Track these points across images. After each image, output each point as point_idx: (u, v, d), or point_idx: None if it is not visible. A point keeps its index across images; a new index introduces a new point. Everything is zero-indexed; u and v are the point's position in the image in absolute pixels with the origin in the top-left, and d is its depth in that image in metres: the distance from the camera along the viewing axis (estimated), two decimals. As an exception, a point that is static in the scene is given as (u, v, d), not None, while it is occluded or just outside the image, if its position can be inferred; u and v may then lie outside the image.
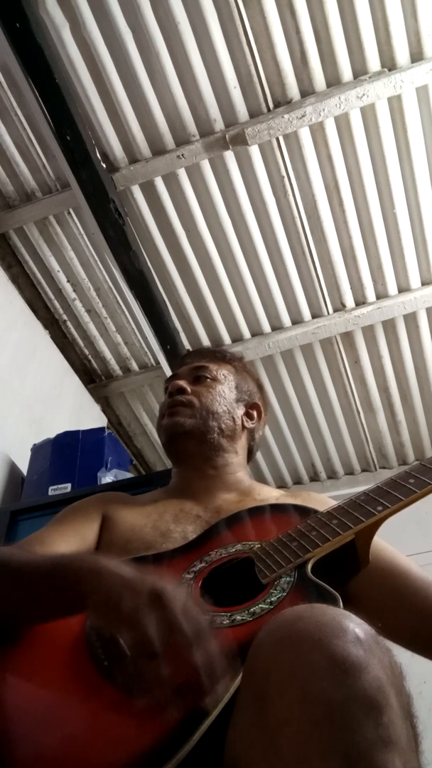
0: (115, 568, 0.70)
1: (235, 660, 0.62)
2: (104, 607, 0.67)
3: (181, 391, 1.16)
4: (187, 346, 2.89)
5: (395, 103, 2.28)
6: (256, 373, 1.35)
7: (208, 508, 1.04)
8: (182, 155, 2.37)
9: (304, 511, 0.92)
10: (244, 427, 1.20)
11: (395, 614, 0.86)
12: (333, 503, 0.91)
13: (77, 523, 1.02)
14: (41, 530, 1.03)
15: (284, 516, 0.95)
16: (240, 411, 1.20)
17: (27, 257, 2.75)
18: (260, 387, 1.31)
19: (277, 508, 0.99)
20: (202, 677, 0.60)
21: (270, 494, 1.11)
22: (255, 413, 1.24)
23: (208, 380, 1.19)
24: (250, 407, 1.23)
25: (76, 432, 2.35)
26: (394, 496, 0.83)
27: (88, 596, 0.69)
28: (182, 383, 1.18)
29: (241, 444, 1.21)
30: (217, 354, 1.30)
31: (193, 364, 1.25)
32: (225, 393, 1.19)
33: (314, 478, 3.40)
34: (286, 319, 2.84)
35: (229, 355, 1.30)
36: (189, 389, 1.17)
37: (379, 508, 0.82)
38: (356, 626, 0.55)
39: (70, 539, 0.98)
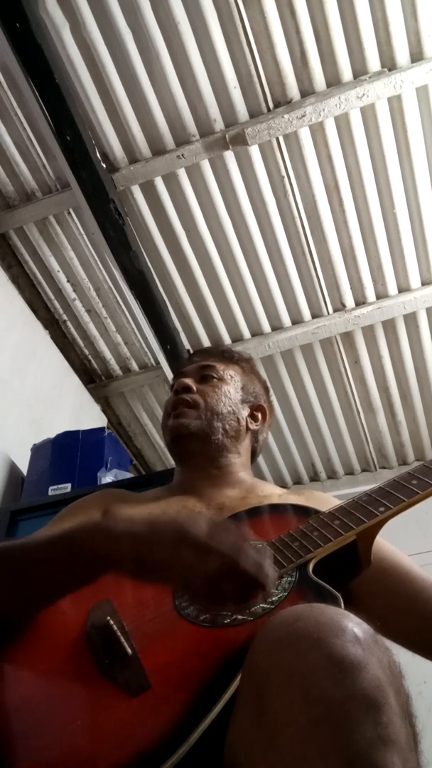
0: (127, 526, 0.72)
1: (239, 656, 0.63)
2: (137, 567, 0.69)
3: (187, 389, 1.16)
4: (187, 346, 2.89)
5: (395, 103, 2.28)
6: (270, 371, 1.35)
7: (211, 505, 1.04)
8: (182, 155, 2.37)
9: (305, 511, 0.92)
10: (248, 428, 1.20)
11: (396, 615, 0.86)
12: (336, 502, 0.91)
13: (78, 521, 1.02)
14: (42, 529, 1.03)
15: (286, 515, 0.95)
16: (245, 412, 1.20)
17: (27, 257, 2.75)
18: (266, 389, 1.31)
19: (279, 508, 0.99)
20: (258, 578, 0.65)
21: (273, 491, 1.11)
22: (260, 415, 1.24)
23: (215, 380, 1.19)
24: (255, 409, 1.23)
25: (76, 432, 2.35)
26: (396, 497, 0.83)
27: (115, 561, 0.71)
28: (188, 381, 1.17)
29: (245, 445, 1.21)
30: (225, 354, 1.29)
31: (200, 362, 1.25)
32: (231, 393, 1.18)
33: (314, 478, 3.40)
34: (286, 319, 2.84)
35: (237, 355, 1.30)
36: (195, 388, 1.17)
37: (381, 509, 0.82)
38: (355, 626, 0.55)
39: None
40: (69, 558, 0.74)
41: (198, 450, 1.13)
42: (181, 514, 0.72)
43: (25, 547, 0.79)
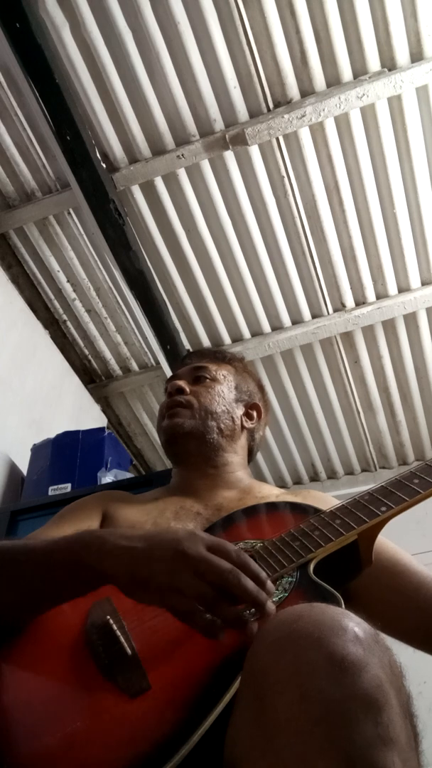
0: (124, 542, 0.70)
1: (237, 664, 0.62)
2: (138, 586, 0.67)
3: (180, 391, 1.17)
4: (187, 346, 2.89)
5: (395, 103, 2.28)
6: (257, 374, 1.36)
7: (208, 506, 1.04)
8: (182, 155, 2.37)
9: (305, 510, 0.92)
10: (243, 427, 1.21)
11: (398, 611, 0.86)
12: (334, 501, 0.90)
13: (77, 521, 1.02)
14: (41, 529, 1.03)
15: (286, 514, 0.94)
16: (239, 411, 1.20)
17: (27, 257, 2.75)
18: (261, 388, 1.31)
19: (278, 507, 0.99)
20: (255, 593, 0.63)
21: (270, 492, 1.11)
22: (255, 413, 1.24)
23: (208, 380, 1.20)
24: (250, 407, 1.24)
25: (76, 432, 2.35)
26: (398, 496, 0.82)
27: (110, 576, 0.69)
28: (181, 383, 1.18)
29: (241, 444, 1.21)
30: (218, 354, 1.30)
31: (193, 364, 1.25)
32: (224, 393, 1.19)
33: (314, 478, 3.40)
34: (286, 319, 2.84)
35: (229, 355, 1.31)
36: (188, 389, 1.17)
37: (383, 508, 0.81)
38: (355, 625, 0.54)
39: None
40: (65, 568, 0.73)
41: (194, 449, 1.13)
42: (181, 531, 0.70)
43: (23, 552, 0.78)
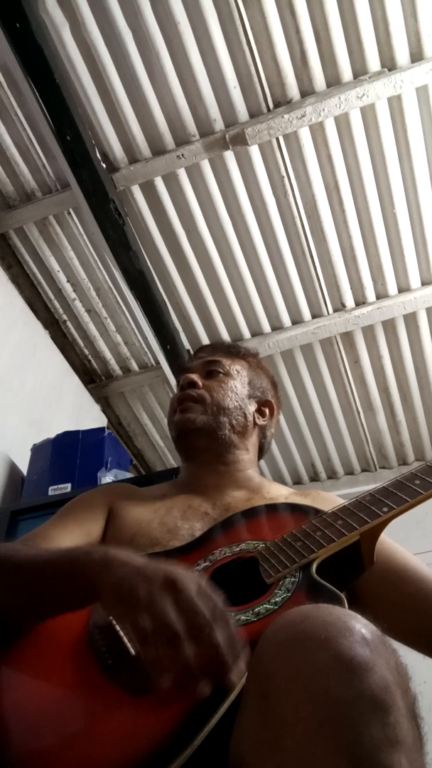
0: (125, 557, 0.69)
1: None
2: (118, 596, 0.65)
3: (193, 384, 1.15)
4: (187, 346, 2.89)
5: (395, 103, 2.28)
6: (270, 370, 1.33)
7: (216, 505, 1.03)
8: (182, 155, 2.37)
9: (308, 512, 0.91)
10: (255, 423, 1.19)
11: (405, 616, 0.85)
12: (342, 502, 0.90)
13: (82, 518, 1.01)
14: (45, 524, 1.02)
15: (289, 516, 0.94)
16: (252, 407, 1.19)
17: (27, 257, 2.74)
18: (274, 384, 1.29)
19: (282, 508, 0.98)
20: (224, 654, 0.59)
21: (279, 492, 1.10)
22: (267, 410, 1.22)
23: (221, 375, 1.18)
24: (263, 404, 1.22)
25: (76, 432, 2.35)
26: (399, 497, 0.82)
27: (99, 587, 0.68)
28: (194, 377, 1.16)
29: (252, 441, 1.19)
30: (231, 349, 1.28)
31: (206, 358, 1.24)
32: (237, 388, 1.17)
33: (314, 478, 3.40)
34: (286, 319, 2.84)
35: (243, 350, 1.29)
36: (201, 383, 1.16)
37: (385, 509, 0.81)
38: (363, 626, 0.54)
39: (74, 534, 0.97)
40: (60, 573, 0.72)
41: (204, 446, 1.12)
42: (180, 568, 0.68)
43: (27, 560, 0.77)
